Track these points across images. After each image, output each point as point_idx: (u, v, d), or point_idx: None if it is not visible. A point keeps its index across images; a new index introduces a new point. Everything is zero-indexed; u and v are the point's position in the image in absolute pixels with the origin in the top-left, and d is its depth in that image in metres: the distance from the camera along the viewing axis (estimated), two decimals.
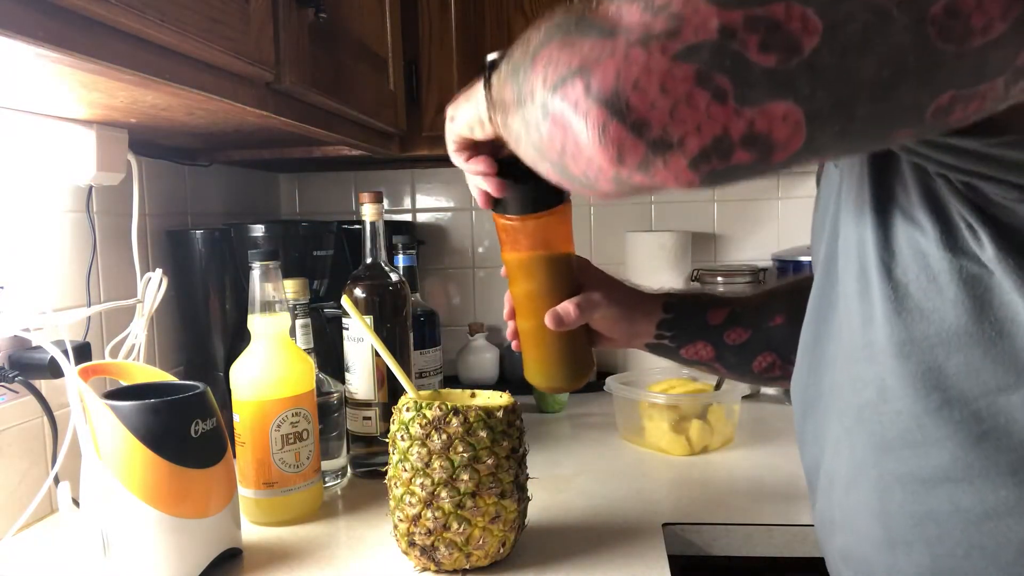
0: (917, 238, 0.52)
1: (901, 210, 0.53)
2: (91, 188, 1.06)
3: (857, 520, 0.59)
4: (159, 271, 1.07)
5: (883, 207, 0.54)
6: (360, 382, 1.09)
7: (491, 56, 0.57)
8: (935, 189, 0.50)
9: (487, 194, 0.72)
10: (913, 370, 0.53)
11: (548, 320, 0.77)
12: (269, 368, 0.93)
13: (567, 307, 0.77)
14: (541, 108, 0.44)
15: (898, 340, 0.53)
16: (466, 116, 0.65)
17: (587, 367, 0.83)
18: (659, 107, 0.39)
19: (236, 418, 0.93)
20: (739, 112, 0.38)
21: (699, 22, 0.38)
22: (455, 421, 0.77)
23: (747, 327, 0.85)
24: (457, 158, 0.71)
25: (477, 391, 0.87)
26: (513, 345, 0.84)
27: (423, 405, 0.79)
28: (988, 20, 0.37)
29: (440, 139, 1.36)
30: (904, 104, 0.40)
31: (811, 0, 0.37)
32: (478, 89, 0.62)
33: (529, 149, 0.49)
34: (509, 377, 1.61)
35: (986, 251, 0.49)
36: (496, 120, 0.55)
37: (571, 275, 0.79)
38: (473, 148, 0.69)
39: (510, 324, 0.83)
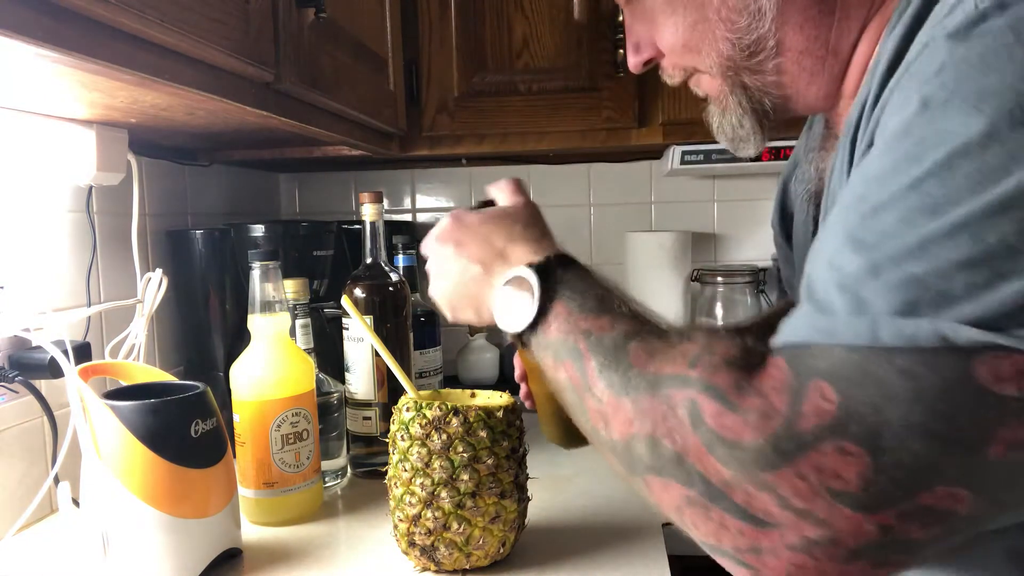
0: None
1: None
2: (91, 188, 1.06)
3: None
4: (159, 271, 1.07)
5: None
6: (360, 382, 1.09)
7: (519, 328, 0.60)
8: None
9: None
10: None
11: None
12: (269, 368, 0.93)
13: None
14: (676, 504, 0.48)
15: None
16: (468, 317, 0.68)
17: None
18: None
19: (236, 418, 0.93)
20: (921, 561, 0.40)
21: (853, 529, 0.38)
22: (455, 421, 0.77)
23: None
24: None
25: (477, 391, 0.87)
26: (527, 404, 0.82)
27: (423, 405, 0.79)
28: None
29: (439, 139, 1.39)
30: None
31: (951, 476, 0.37)
32: (482, 299, 0.64)
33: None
34: (509, 377, 1.61)
35: None
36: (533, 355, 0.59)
37: None
38: None
39: (523, 386, 0.82)
